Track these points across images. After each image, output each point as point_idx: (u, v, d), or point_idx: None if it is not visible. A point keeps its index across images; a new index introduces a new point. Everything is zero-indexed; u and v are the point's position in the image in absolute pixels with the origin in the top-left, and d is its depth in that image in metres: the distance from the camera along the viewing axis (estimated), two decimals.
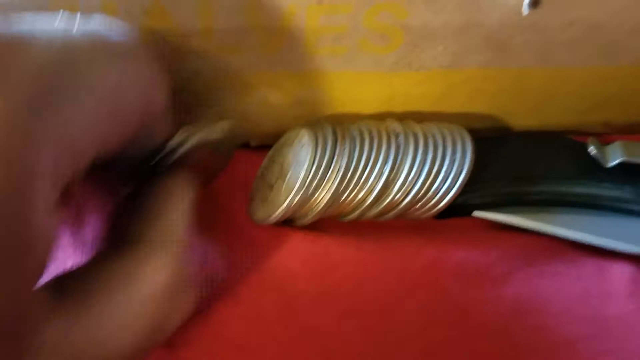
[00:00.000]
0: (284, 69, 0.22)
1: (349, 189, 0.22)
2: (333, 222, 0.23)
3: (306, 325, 0.20)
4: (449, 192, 0.22)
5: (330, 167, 0.21)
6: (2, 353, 0.12)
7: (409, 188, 0.22)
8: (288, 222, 0.23)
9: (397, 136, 0.22)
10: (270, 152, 0.24)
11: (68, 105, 0.13)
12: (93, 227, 0.21)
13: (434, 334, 0.21)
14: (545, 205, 0.23)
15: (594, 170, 0.23)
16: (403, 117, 0.23)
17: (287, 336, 0.20)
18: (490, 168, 0.23)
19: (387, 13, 0.21)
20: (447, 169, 0.22)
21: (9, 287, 0.12)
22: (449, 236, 0.23)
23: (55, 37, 0.14)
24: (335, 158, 0.22)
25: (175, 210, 0.17)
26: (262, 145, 0.25)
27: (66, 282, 0.14)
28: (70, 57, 0.14)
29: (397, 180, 0.22)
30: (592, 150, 0.23)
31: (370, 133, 0.22)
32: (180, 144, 0.20)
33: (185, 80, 0.22)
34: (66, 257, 0.22)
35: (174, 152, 0.19)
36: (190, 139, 0.20)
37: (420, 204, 0.22)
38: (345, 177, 0.21)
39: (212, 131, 0.21)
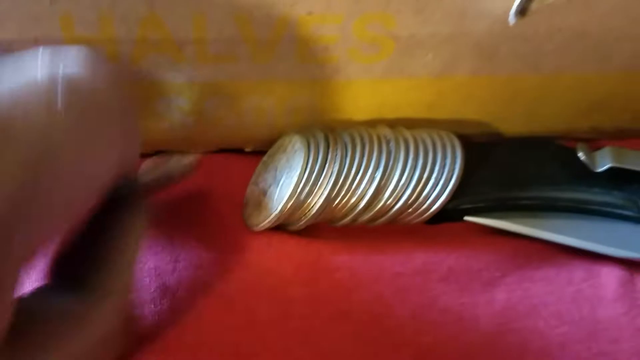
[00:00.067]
0: (276, 78, 0.23)
1: (341, 195, 0.22)
2: (326, 228, 0.23)
3: (299, 330, 0.21)
4: (440, 198, 0.22)
5: (322, 173, 0.22)
6: None
7: (400, 193, 0.22)
8: (281, 227, 0.23)
9: (388, 142, 0.23)
10: (264, 158, 0.24)
11: (45, 195, 0.13)
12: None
13: (426, 339, 0.21)
14: (536, 210, 0.23)
15: (583, 175, 0.23)
16: (394, 124, 0.24)
17: (280, 341, 0.20)
18: (481, 173, 0.23)
19: (376, 23, 0.21)
20: (438, 174, 0.22)
21: None
22: (440, 241, 0.23)
23: (36, 119, 0.13)
24: (328, 164, 0.22)
25: (128, 255, 0.17)
26: (255, 151, 0.25)
27: (18, 318, 0.14)
28: (50, 145, 0.13)
29: (389, 186, 0.22)
30: (581, 155, 0.23)
31: (361, 139, 0.23)
32: (144, 177, 0.20)
33: (179, 88, 0.23)
34: None
35: (135, 185, 0.19)
36: (154, 172, 0.20)
37: (411, 209, 0.22)
38: (338, 183, 0.22)
39: (176, 166, 0.21)
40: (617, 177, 0.23)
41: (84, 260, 0.16)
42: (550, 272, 0.22)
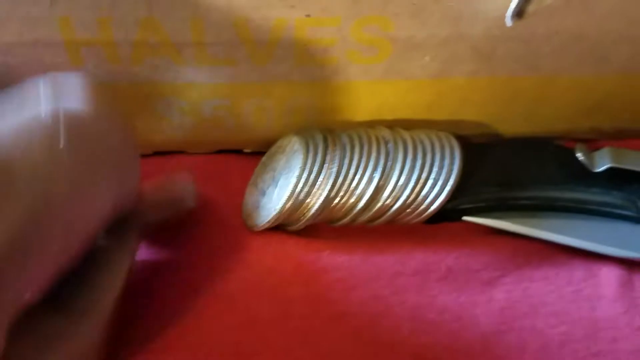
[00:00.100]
0: (274, 80, 0.23)
1: (340, 195, 0.22)
2: (325, 228, 0.23)
3: (299, 330, 0.21)
4: (438, 198, 0.22)
5: (321, 174, 0.22)
6: None
7: (399, 194, 0.22)
8: (281, 228, 0.23)
9: (386, 143, 0.23)
10: (263, 159, 0.24)
11: (43, 235, 0.13)
12: None
13: (425, 338, 0.21)
14: (534, 210, 0.23)
15: (582, 175, 0.23)
16: (393, 125, 0.24)
17: (279, 341, 0.20)
18: (480, 173, 0.23)
19: (373, 25, 0.21)
20: (436, 174, 0.22)
21: None
22: (439, 241, 0.23)
23: (38, 159, 0.13)
24: (326, 164, 0.22)
25: (112, 280, 0.17)
26: (255, 152, 0.25)
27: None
28: (51, 184, 0.13)
29: (387, 186, 0.22)
30: (580, 156, 0.23)
31: (360, 140, 0.23)
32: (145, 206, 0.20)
33: (178, 90, 0.23)
34: None
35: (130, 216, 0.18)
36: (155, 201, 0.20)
37: (410, 209, 0.22)
38: (336, 183, 0.22)
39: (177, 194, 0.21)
40: (616, 177, 0.23)
41: (69, 280, 0.16)
42: (549, 272, 0.22)
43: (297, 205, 0.22)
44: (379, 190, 0.22)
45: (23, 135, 0.13)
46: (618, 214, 0.23)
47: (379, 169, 0.22)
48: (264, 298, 0.21)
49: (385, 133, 0.23)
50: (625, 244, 0.22)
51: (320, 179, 0.22)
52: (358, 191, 0.22)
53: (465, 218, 0.23)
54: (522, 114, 0.25)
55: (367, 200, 0.22)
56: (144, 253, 0.22)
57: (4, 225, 0.12)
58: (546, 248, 0.23)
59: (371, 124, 0.24)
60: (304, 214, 0.22)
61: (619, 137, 0.26)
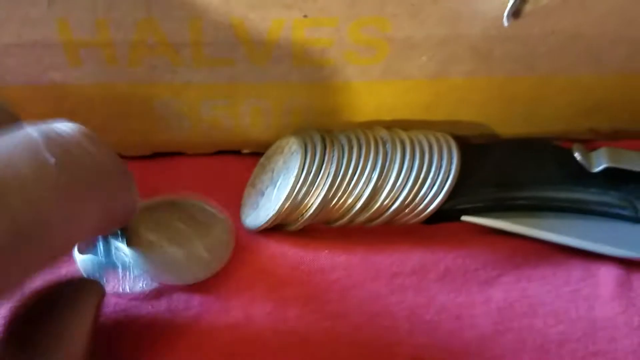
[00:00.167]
0: (272, 80, 0.23)
1: (338, 195, 0.22)
2: (323, 228, 0.23)
3: (296, 330, 0.21)
4: (437, 198, 0.22)
5: (319, 174, 0.22)
6: None
7: (397, 194, 0.22)
8: (279, 228, 0.23)
9: (384, 143, 0.23)
10: (261, 160, 0.24)
11: (26, 255, 0.13)
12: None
13: (423, 338, 0.21)
14: (532, 210, 0.23)
15: (580, 175, 0.23)
16: (391, 126, 0.24)
17: (276, 342, 0.20)
18: (478, 174, 0.23)
19: (371, 26, 0.21)
20: (434, 175, 0.22)
21: None
22: (437, 241, 0.23)
23: (29, 177, 0.13)
24: (324, 165, 0.22)
25: (80, 325, 0.17)
26: (253, 153, 0.25)
27: None
28: (41, 203, 0.13)
29: (385, 186, 0.22)
30: (577, 156, 0.24)
31: (358, 140, 0.23)
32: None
33: (177, 91, 0.23)
34: None
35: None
36: None
37: (408, 209, 0.22)
38: (334, 184, 0.22)
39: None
40: (613, 177, 0.23)
41: (39, 322, 0.16)
42: (547, 272, 0.22)
43: (295, 205, 0.22)
44: (377, 190, 0.22)
45: (12, 150, 0.13)
46: (615, 213, 0.23)
47: (377, 170, 0.22)
48: (262, 298, 0.21)
49: (383, 133, 0.23)
50: (623, 243, 0.22)
51: (319, 179, 0.22)
52: (356, 191, 0.22)
53: (463, 218, 0.23)
54: (519, 115, 0.25)
55: (365, 201, 0.22)
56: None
57: None
58: (544, 248, 0.23)
59: (369, 125, 0.24)
60: (303, 214, 0.22)
61: (617, 137, 0.26)
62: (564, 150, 0.24)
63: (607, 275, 0.22)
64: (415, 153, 0.23)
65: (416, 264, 0.22)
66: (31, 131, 0.14)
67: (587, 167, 0.23)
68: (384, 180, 0.22)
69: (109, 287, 0.21)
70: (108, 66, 0.22)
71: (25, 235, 0.13)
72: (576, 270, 0.22)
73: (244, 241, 0.23)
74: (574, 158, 0.24)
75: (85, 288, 0.17)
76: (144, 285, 0.21)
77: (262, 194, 0.23)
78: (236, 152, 0.25)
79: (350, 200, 0.22)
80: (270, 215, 0.22)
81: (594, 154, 0.24)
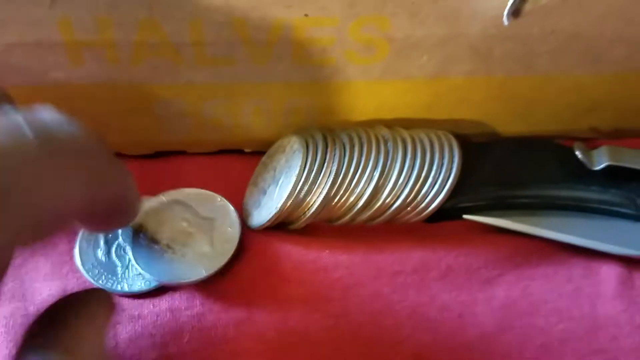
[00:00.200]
0: (274, 79, 0.23)
1: (340, 194, 0.22)
2: (325, 227, 0.23)
3: (298, 329, 0.21)
4: (438, 196, 0.22)
5: (321, 173, 0.22)
6: None
7: (399, 192, 0.22)
8: (281, 227, 0.23)
9: (386, 142, 0.23)
10: (263, 159, 0.25)
11: (9, 220, 0.13)
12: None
13: (425, 337, 0.21)
14: (534, 208, 0.23)
15: (581, 174, 0.23)
16: (392, 124, 0.24)
17: (278, 340, 0.20)
18: (479, 172, 0.23)
19: (371, 26, 0.21)
20: (435, 173, 0.22)
21: None
22: (439, 239, 0.23)
23: (7, 146, 0.13)
24: (326, 164, 0.22)
25: (92, 333, 0.17)
26: (255, 152, 0.25)
27: None
28: (15, 178, 0.13)
29: (387, 185, 0.22)
30: (578, 154, 0.24)
31: (359, 139, 0.23)
32: None
33: (178, 90, 0.23)
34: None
35: None
36: None
37: (409, 208, 0.22)
38: (336, 182, 0.22)
39: None
40: (614, 175, 0.23)
41: (54, 326, 0.16)
42: (549, 270, 0.22)
43: (297, 204, 0.22)
44: (378, 189, 0.22)
45: None
46: (617, 211, 0.23)
47: (379, 168, 0.22)
48: (263, 297, 0.21)
49: (385, 132, 0.23)
50: (625, 241, 0.22)
51: (320, 177, 0.22)
52: (358, 190, 0.22)
53: (465, 216, 0.23)
54: (519, 114, 0.25)
55: (367, 199, 0.22)
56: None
57: None
58: (546, 246, 0.23)
59: (370, 124, 0.24)
60: (304, 212, 0.22)
61: (617, 136, 0.26)
62: (565, 149, 0.24)
63: (609, 273, 0.22)
64: (417, 151, 0.23)
65: (418, 263, 0.22)
66: (12, 112, 0.14)
67: (588, 165, 0.23)
68: (385, 178, 0.22)
69: (110, 286, 0.21)
70: (110, 66, 0.22)
71: (4, 199, 0.13)
72: (578, 268, 0.22)
73: (246, 240, 0.23)
74: (575, 156, 0.24)
75: (100, 298, 0.17)
76: (145, 284, 0.21)
77: (264, 192, 0.23)
78: (238, 151, 0.25)
79: (351, 199, 0.22)
80: (272, 213, 0.22)
81: (595, 152, 0.24)
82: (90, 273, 0.22)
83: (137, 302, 0.21)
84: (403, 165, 0.22)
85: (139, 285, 0.21)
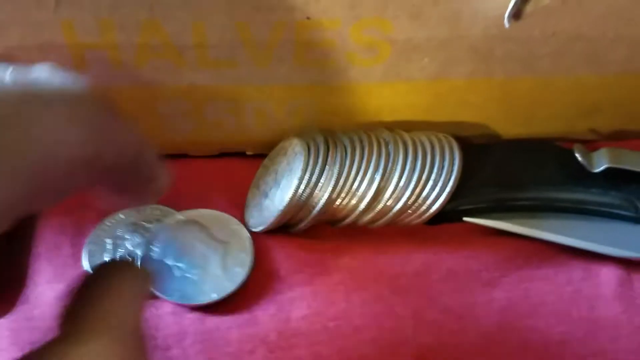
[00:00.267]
0: (276, 82, 0.23)
1: (342, 196, 0.22)
2: (326, 229, 0.23)
3: (300, 331, 0.21)
4: (439, 199, 0.22)
5: (322, 175, 0.22)
6: None
7: (400, 195, 0.22)
8: (283, 229, 0.23)
9: (387, 144, 0.23)
10: (265, 161, 0.25)
11: None
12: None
13: (426, 339, 0.21)
14: (534, 210, 0.23)
15: (581, 176, 0.23)
16: (392, 126, 0.24)
17: (280, 342, 0.21)
18: (479, 175, 0.23)
19: (373, 28, 0.21)
20: (436, 176, 0.22)
21: None
22: (440, 241, 0.23)
23: None
24: (328, 166, 0.22)
25: (124, 297, 0.16)
26: (257, 155, 0.25)
27: None
28: None
29: (388, 187, 0.22)
30: (578, 156, 0.24)
31: (361, 142, 0.23)
32: None
33: (181, 92, 0.23)
34: (66, 266, 0.22)
35: None
36: None
37: (411, 210, 0.22)
38: (338, 185, 0.22)
39: None
40: (614, 178, 0.23)
41: (77, 307, 0.16)
42: (549, 272, 0.22)
43: (299, 206, 0.22)
44: (380, 191, 0.22)
45: None
46: (616, 214, 0.23)
47: (380, 171, 0.22)
48: (267, 299, 0.21)
49: (386, 135, 0.23)
50: (624, 243, 0.22)
51: (322, 180, 0.22)
52: (359, 192, 0.22)
53: (465, 219, 0.23)
54: (520, 115, 0.25)
55: (369, 202, 0.22)
56: None
57: None
58: (546, 248, 0.23)
59: (371, 126, 0.24)
60: (306, 215, 0.22)
61: (617, 138, 0.26)
62: (565, 151, 0.24)
63: (608, 275, 0.22)
64: (418, 154, 0.23)
65: (419, 265, 0.22)
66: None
67: (588, 168, 0.23)
68: (386, 181, 0.22)
69: None
70: (113, 68, 0.22)
71: None
72: (577, 270, 0.22)
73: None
74: (575, 158, 0.24)
75: (130, 271, 0.17)
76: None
77: (266, 195, 0.23)
78: (240, 154, 0.25)
79: (353, 202, 0.22)
80: (274, 216, 0.22)
81: (594, 154, 0.24)
82: None
83: None
84: (404, 168, 0.22)
85: None
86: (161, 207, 0.23)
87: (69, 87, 0.14)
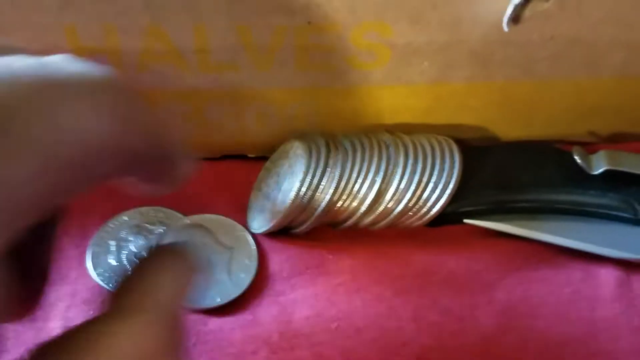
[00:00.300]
0: (277, 85, 0.23)
1: (343, 199, 0.22)
2: (328, 231, 0.23)
3: (302, 332, 0.21)
4: (439, 201, 0.23)
5: (324, 178, 0.22)
6: None
7: (401, 197, 0.22)
8: (284, 232, 0.23)
9: (387, 147, 0.23)
10: (267, 164, 0.25)
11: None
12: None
13: (427, 339, 0.21)
14: (533, 212, 0.23)
15: (580, 178, 0.24)
16: (393, 129, 0.24)
17: (282, 343, 0.21)
18: (480, 177, 0.24)
19: (373, 32, 0.22)
20: (437, 178, 0.23)
21: None
22: (441, 243, 0.23)
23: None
24: (329, 169, 0.22)
25: (167, 281, 0.16)
26: (258, 157, 0.25)
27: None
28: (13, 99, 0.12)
29: (389, 190, 0.22)
30: (577, 158, 0.24)
31: (361, 144, 0.23)
32: None
33: (182, 96, 0.23)
34: (69, 268, 0.22)
35: None
36: None
37: (411, 212, 0.23)
38: (339, 187, 0.22)
39: None
40: (612, 180, 0.23)
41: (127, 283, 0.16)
42: (548, 273, 0.23)
43: (300, 208, 0.22)
44: (380, 193, 0.22)
45: None
46: (615, 215, 0.23)
47: (381, 173, 0.22)
48: (269, 300, 0.22)
49: (386, 137, 0.24)
50: (623, 245, 0.22)
51: (323, 182, 0.22)
52: (360, 195, 0.22)
53: (465, 221, 0.23)
54: (519, 118, 0.25)
55: (370, 204, 0.22)
56: None
57: None
58: (545, 250, 0.23)
59: (372, 129, 0.24)
60: (308, 217, 0.22)
61: (616, 140, 0.26)
62: (564, 153, 0.24)
63: (607, 276, 0.22)
64: (418, 156, 0.23)
65: (420, 267, 0.22)
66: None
67: (587, 170, 0.24)
68: (387, 183, 0.22)
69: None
70: (115, 72, 0.22)
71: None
72: (577, 271, 0.23)
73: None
74: (574, 161, 0.24)
75: (181, 256, 0.16)
76: None
77: (268, 197, 0.23)
78: (242, 156, 0.26)
79: (354, 204, 0.22)
80: (276, 218, 0.22)
81: (593, 157, 0.24)
82: (101, 277, 0.22)
83: None
84: (405, 170, 0.23)
85: None
86: (164, 209, 0.23)
87: (91, 76, 0.14)
